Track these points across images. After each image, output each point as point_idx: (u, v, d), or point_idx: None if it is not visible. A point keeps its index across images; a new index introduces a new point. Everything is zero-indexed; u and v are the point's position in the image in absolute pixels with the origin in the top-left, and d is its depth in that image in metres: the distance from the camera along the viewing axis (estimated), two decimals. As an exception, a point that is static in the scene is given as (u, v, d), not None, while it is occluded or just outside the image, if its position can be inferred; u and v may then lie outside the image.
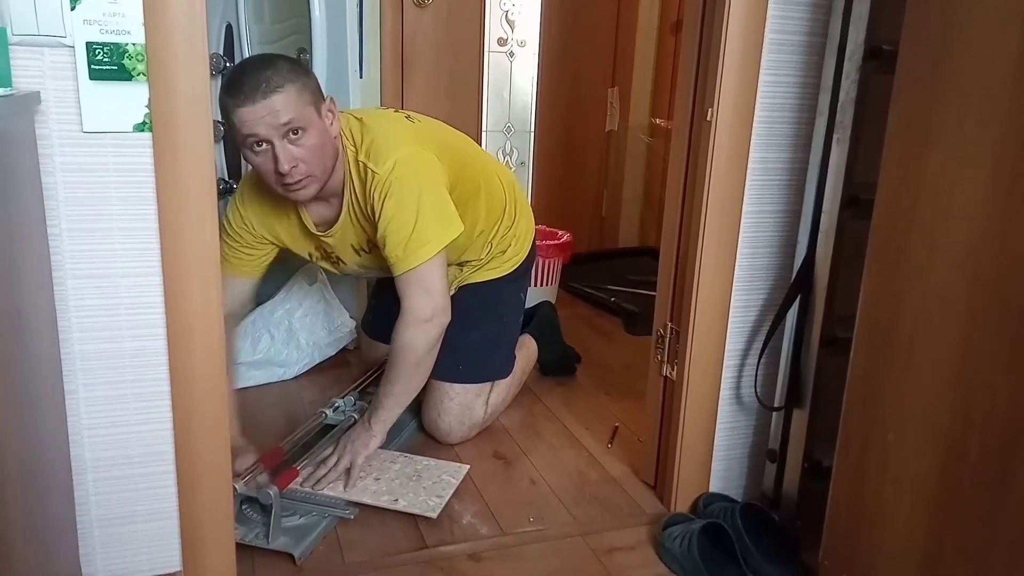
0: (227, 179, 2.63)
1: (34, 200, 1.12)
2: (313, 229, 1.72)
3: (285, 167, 1.49)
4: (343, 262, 1.81)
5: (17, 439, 1.02)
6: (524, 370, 2.13)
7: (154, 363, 1.26)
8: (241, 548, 1.43)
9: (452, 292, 1.89)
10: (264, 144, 1.49)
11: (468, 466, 1.81)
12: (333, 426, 1.81)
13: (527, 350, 2.18)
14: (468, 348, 1.90)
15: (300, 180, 1.53)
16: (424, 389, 1.80)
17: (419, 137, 1.69)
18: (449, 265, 1.82)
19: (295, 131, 1.48)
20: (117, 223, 1.19)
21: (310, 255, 1.83)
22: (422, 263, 1.59)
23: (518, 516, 1.66)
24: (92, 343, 1.22)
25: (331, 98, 1.58)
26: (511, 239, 1.98)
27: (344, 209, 1.67)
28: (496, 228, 1.93)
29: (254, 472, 1.56)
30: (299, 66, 1.53)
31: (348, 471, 1.67)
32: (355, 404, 1.87)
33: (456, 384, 1.91)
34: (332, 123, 1.57)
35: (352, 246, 1.75)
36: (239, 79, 1.46)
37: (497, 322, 1.97)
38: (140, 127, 1.16)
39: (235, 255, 1.73)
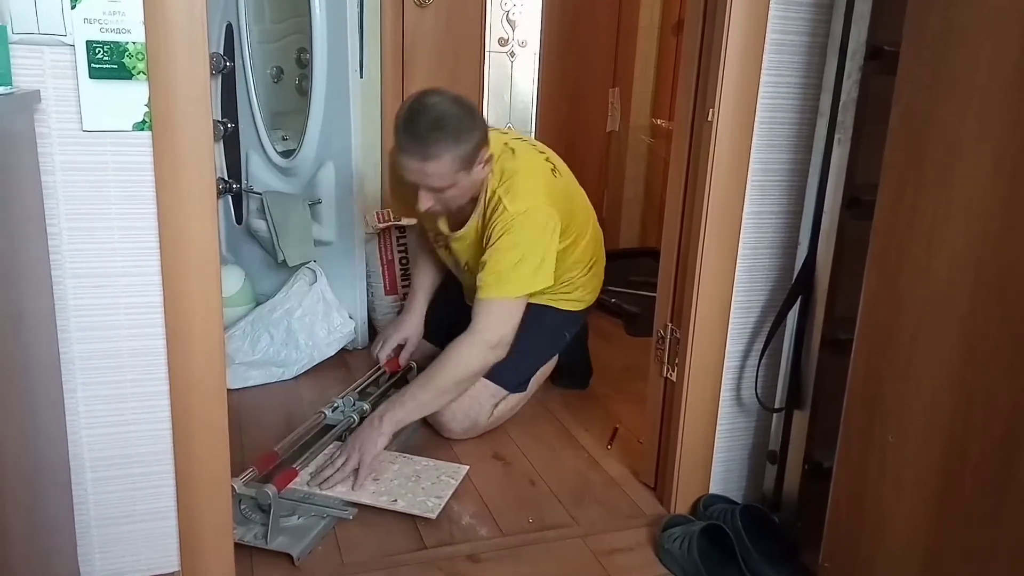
0: (227, 179, 2.63)
1: (34, 199, 1.11)
2: (443, 228, 1.95)
3: (421, 208, 1.75)
4: (456, 256, 2.00)
5: (16, 438, 1.01)
6: (538, 381, 2.11)
7: (153, 362, 1.25)
8: (239, 548, 1.43)
9: None
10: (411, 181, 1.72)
11: (467, 467, 1.81)
12: (332, 426, 1.81)
13: (545, 367, 2.16)
14: None
15: (428, 209, 1.76)
16: None
17: (552, 192, 1.86)
18: None
19: (440, 189, 1.70)
20: (116, 222, 1.19)
21: (436, 236, 2.03)
22: (506, 298, 1.76)
23: (517, 517, 1.66)
24: (91, 342, 1.22)
25: (487, 149, 1.74)
26: (582, 287, 2.07)
27: (471, 223, 1.87)
28: (573, 278, 2.04)
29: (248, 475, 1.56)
30: (469, 124, 1.69)
31: (356, 471, 1.67)
32: (354, 404, 1.86)
33: None
34: (483, 170, 1.76)
35: (468, 248, 1.92)
36: (413, 126, 1.65)
37: (533, 340, 1.96)
38: (140, 126, 1.16)
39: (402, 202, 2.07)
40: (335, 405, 1.86)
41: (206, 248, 1.22)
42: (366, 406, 1.85)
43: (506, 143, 1.85)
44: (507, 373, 1.93)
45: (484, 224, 1.82)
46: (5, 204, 0.99)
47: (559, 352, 2.12)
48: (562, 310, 2.05)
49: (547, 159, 1.94)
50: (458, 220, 1.89)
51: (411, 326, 2.13)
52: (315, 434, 1.79)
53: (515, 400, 2.01)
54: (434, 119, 1.65)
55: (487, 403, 1.93)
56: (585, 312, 2.14)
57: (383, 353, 2.09)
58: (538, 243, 1.78)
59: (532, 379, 2.05)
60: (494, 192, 1.79)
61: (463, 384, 1.80)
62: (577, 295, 2.07)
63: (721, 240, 1.52)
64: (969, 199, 0.99)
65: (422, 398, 1.76)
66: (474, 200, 1.83)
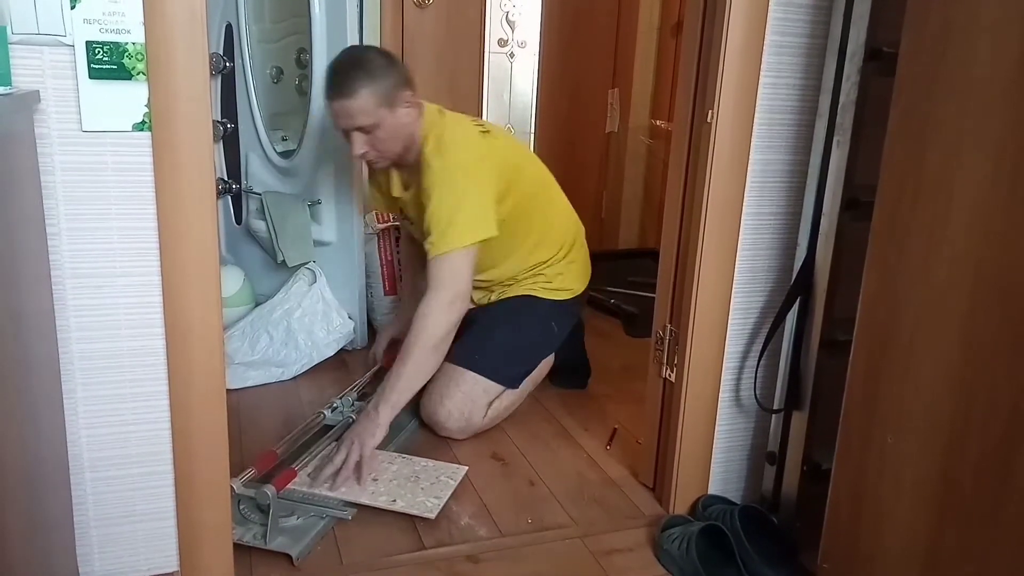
0: (226, 179, 2.63)
1: (33, 199, 1.11)
2: (395, 191, 2.02)
3: (355, 152, 1.85)
4: (411, 221, 2.06)
5: (15, 438, 1.02)
6: (534, 380, 2.12)
7: (152, 363, 1.25)
8: (239, 548, 1.43)
9: (492, 300, 2.10)
10: (344, 131, 1.84)
11: (466, 467, 1.81)
12: (331, 427, 1.81)
13: (541, 366, 2.17)
14: (489, 343, 1.98)
15: (370, 160, 1.89)
16: (433, 375, 1.84)
17: (480, 146, 1.90)
18: (493, 270, 2.04)
19: (365, 128, 1.79)
20: (116, 223, 1.19)
21: (399, 211, 2.15)
22: (452, 250, 1.77)
23: (516, 517, 1.66)
24: (90, 342, 1.22)
25: (411, 92, 1.83)
26: (561, 274, 2.08)
27: (415, 184, 1.92)
28: (545, 263, 2.07)
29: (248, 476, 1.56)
30: (384, 63, 1.81)
31: (358, 465, 1.68)
32: (353, 405, 1.86)
33: (468, 371, 1.92)
34: (409, 113, 1.83)
35: (416, 208, 1.96)
36: (333, 71, 1.80)
37: (524, 331, 2.01)
38: (139, 126, 1.16)
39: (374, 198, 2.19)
40: (334, 406, 1.86)
41: (206, 248, 1.22)
42: (366, 407, 1.85)
43: (435, 110, 1.92)
44: (497, 367, 1.94)
45: (420, 171, 1.87)
46: (4, 205, 0.99)
47: (553, 347, 2.12)
48: (545, 299, 2.05)
49: (480, 124, 1.98)
50: (406, 182, 1.98)
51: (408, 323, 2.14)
52: (314, 434, 1.79)
53: (509, 399, 2.01)
54: (352, 62, 1.81)
55: (481, 400, 1.93)
56: (574, 304, 2.13)
57: (379, 348, 2.10)
58: (468, 191, 1.82)
59: (527, 377, 2.05)
60: (425, 147, 1.85)
61: (440, 347, 1.80)
62: (558, 283, 2.07)
63: (720, 241, 1.52)
64: (969, 199, 0.99)
65: (406, 373, 1.75)
66: (415, 156, 1.89)
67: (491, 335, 2.00)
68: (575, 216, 2.19)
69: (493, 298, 2.11)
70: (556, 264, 2.06)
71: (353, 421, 1.82)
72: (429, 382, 1.87)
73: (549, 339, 2.10)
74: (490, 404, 1.95)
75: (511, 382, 2.00)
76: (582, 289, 2.15)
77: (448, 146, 1.83)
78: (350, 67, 1.79)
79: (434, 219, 1.79)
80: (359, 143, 1.82)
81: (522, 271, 2.04)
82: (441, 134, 1.85)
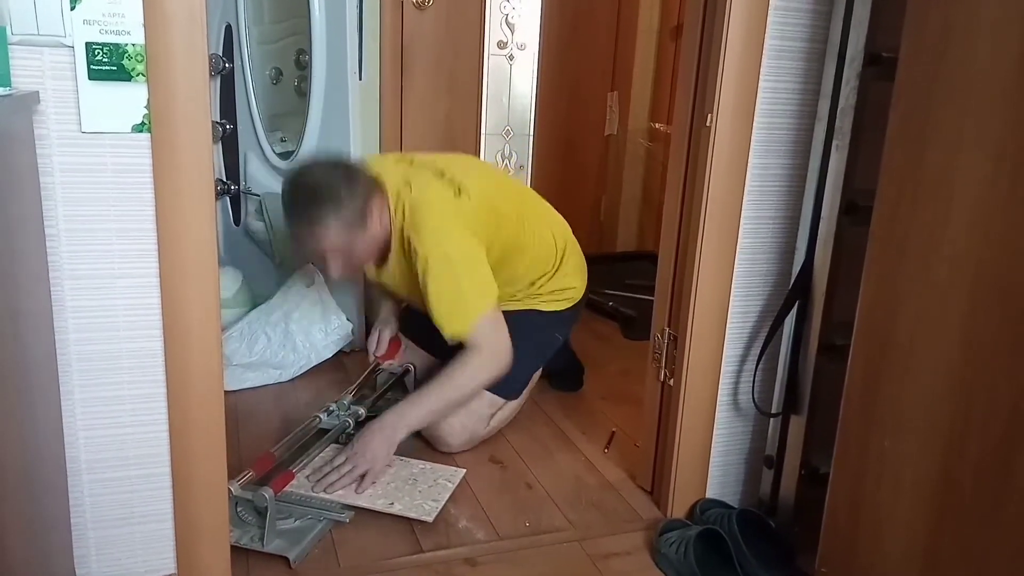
0: (225, 180, 2.63)
1: (32, 200, 1.11)
2: (368, 273, 1.94)
3: (334, 275, 1.78)
4: (390, 289, 2.00)
5: (12, 440, 1.01)
6: (532, 383, 2.11)
7: (150, 365, 1.25)
8: (236, 551, 1.43)
9: None
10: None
11: (464, 470, 1.81)
12: (327, 430, 1.81)
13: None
14: None
15: (347, 278, 1.86)
16: None
17: (459, 215, 1.78)
18: None
19: (333, 255, 1.72)
20: (115, 224, 1.18)
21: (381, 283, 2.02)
22: (471, 326, 1.74)
23: (514, 521, 1.66)
24: (88, 344, 1.22)
25: (380, 196, 1.74)
26: (557, 287, 2.04)
27: (392, 260, 1.84)
28: (541, 278, 2.02)
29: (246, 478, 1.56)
30: (348, 186, 1.68)
31: (363, 477, 1.68)
32: (349, 408, 1.86)
33: None
34: (381, 219, 1.75)
35: (398, 281, 1.89)
36: (294, 204, 1.70)
37: (528, 344, 1.95)
38: (139, 128, 1.16)
39: None
40: (330, 409, 1.86)
41: (204, 250, 1.22)
42: (361, 410, 1.85)
43: (405, 178, 1.80)
44: (502, 382, 1.92)
45: (406, 258, 1.79)
46: (3, 205, 0.99)
47: (554, 353, 2.11)
48: (545, 311, 2.04)
49: (449, 181, 1.81)
50: (379, 258, 1.88)
51: (394, 313, 2.17)
52: (312, 437, 1.79)
53: (511, 407, 2.00)
54: (311, 192, 1.68)
55: (484, 414, 1.92)
56: (574, 312, 2.11)
57: (380, 348, 2.10)
58: (460, 272, 1.75)
59: (527, 384, 2.04)
60: (402, 233, 1.76)
61: (472, 396, 1.83)
62: (555, 296, 2.05)
63: (719, 244, 1.52)
64: (968, 200, 0.99)
65: (433, 408, 1.77)
66: (387, 250, 1.82)
67: None
68: (559, 220, 2.13)
69: None
70: (552, 278, 2.03)
71: (349, 425, 1.82)
72: None
73: (552, 347, 2.09)
74: (492, 416, 1.95)
75: (514, 394, 2.00)
76: (582, 286, 2.12)
77: (426, 227, 1.73)
78: (313, 197, 1.67)
79: (439, 307, 1.73)
80: (334, 267, 1.75)
81: (520, 291, 2.01)
82: (414, 215, 1.74)
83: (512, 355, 1.80)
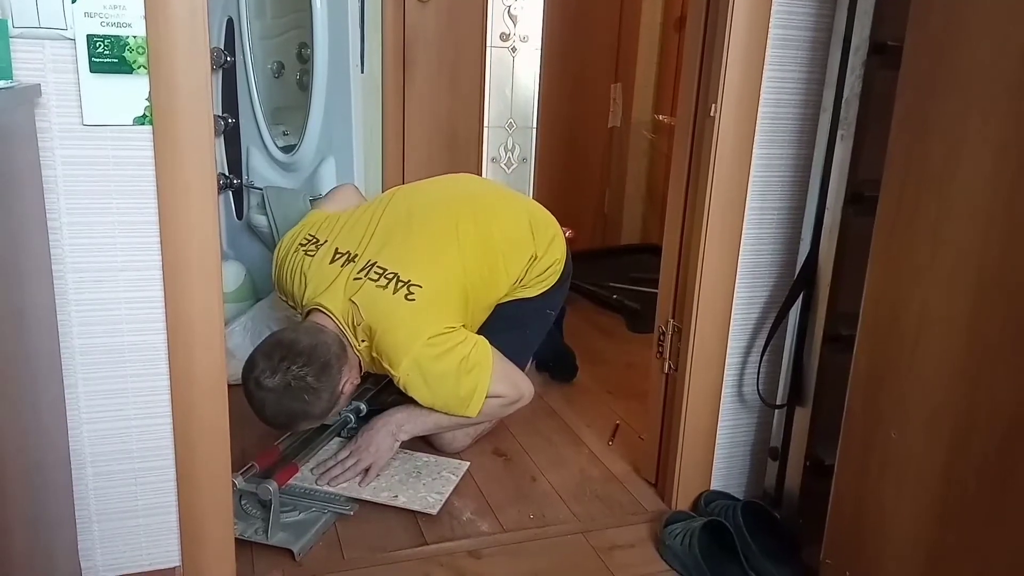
0: (227, 174, 2.63)
1: (34, 193, 1.11)
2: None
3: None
4: None
5: (16, 433, 1.01)
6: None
7: (154, 358, 1.25)
8: (240, 543, 1.43)
9: None
10: None
11: (468, 463, 1.81)
12: (328, 424, 1.81)
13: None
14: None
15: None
16: None
17: (419, 317, 1.65)
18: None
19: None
20: (117, 217, 1.18)
21: None
22: (479, 403, 1.68)
23: (518, 513, 1.66)
24: (92, 337, 1.22)
25: (344, 358, 1.62)
26: (539, 271, 1.94)
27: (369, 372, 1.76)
28: (524, 271, 1.90)
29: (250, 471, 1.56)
30: (318, 369, 1.55)
31: (366, 471, 1.68)
32: (350, 403, 1.85)
33: None
34: (351, 377, 1.66)
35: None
36: (267, 418, 1.56)
37: (520, 335, 1.94)
38: (140, 120, 1.15)
39: None
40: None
41: (207, 243, 1.22)
42: (362, 405, 1.85)
43: (350, 296, 1.66)
44: None
45: (382, 368, 1.68)
46: (5, 199, 0.98)
47: (549, 328, 2.07)
48: (531, 297, 1.95)
49: (396, 286, 1.65)
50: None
51: None
52: (315, 430, 1.79)
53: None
54: (284, 393, 1.53)
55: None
56: (561, 283, 2.00)
57: None
58: (446, 375, 1.65)
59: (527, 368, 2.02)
60: (371, 355, 1.67)
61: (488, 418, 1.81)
62: (540, 279, 1.94)
63: (723, 236, 1.51)
64: (973, 194, 0.98)
65: (444, 424, 1.75)
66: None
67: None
68: (518, 205, 2.01)
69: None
70: (531, 267, 1.92)
71: (350, 420, 1.82)
72: None
73: (546, 327, 2.05)
74: None
75: None
76: (563, 254, 2.00)
77: (391, 348, 1.62)
78: (285, 402, 1.53)
79: (443, 405, 1.68)
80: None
81: (504, 295, 1.94)
82: (374, 340, 1.63)
83: (530, 384, 1.80)
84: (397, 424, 1.72)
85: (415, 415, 1.73)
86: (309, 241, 1.81)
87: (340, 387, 1.61)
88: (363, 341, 1.66)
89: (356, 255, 1.73)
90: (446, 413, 1.70)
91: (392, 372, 1.64)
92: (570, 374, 2.34)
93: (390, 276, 1.67)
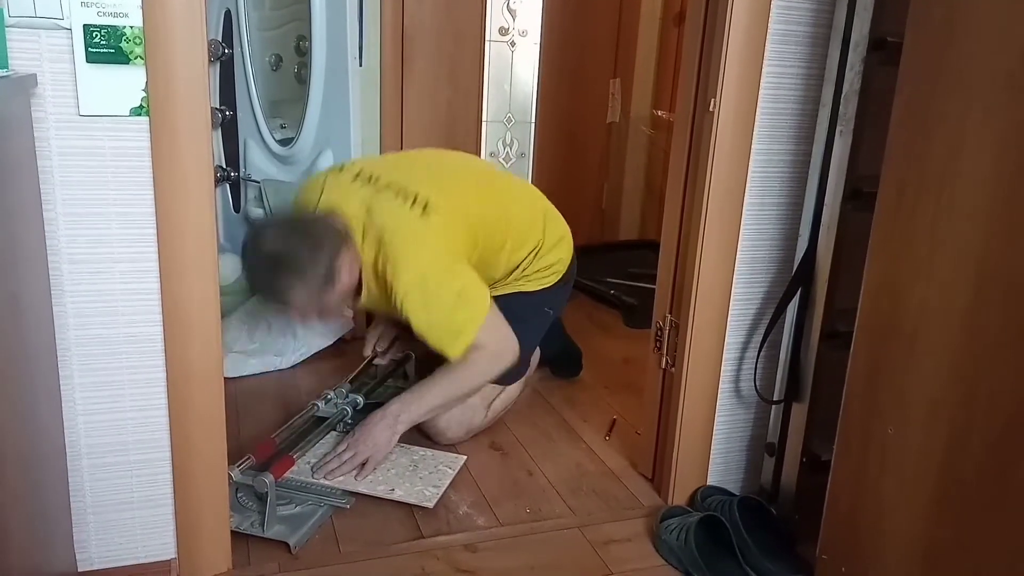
0: (225, 167, 2.62)
1: (30, 184, 1.11)
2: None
3: (303, 323, 1.87)
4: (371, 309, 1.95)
5: (12, 425, 1.01)
6: (527, 377, 2.11)
7: (150, 350, 1.25)
8: (236, 536, 1.43)
9: None
10: None
11: (465, 457, 1.81)
12: (325, 418, 1.80)
13: (533, 356, 2.15)
14: None
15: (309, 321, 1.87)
16: None
17: (430, 235, 1.69)
18: None
19: (302, 313, 1.70)
20: (113, 208, 1.18)
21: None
22: (468, 344, 1.68)
23: (515, 507, 1.66)
24: (88, 328, 1.22)
25: (349, 246, 1.65)
26: (542, 266, 1.98)
27: (366, 290, 1.75)
28: (524, 260, 1.95)
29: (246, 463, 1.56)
30: (310, 249, 1.58)
31: (363, 465, 1.68)
32: (347, 396, 1.85)
33: None
34: (351, 269, 1.66)
35: (377, 303, 1.79)
36: (256, 276, 1.66)
37: (518, 327, 1.90)
38: (137, 111, 1.15)
39: None
40: (328, 397, 1.85)
41: (204, 235, 1.22)
42: (359, 399, 1.84)
43: (367, 205, 1.69)
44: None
45: (380, 288, 1.70)
46: (1, 189, 0.98)
47: (547, 328, 2.07)
48: (533, 291, 1.98)
49: (414, 199, 1.70)
50: (354, 294, 1.80)
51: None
52: (311, 424, 1.79)
53: (508, 393, 1.99)
54: (273, 264, 1.58)
55: (480, 405, 1.90)
56: (563, 284, 2.04)
57: (380, 343, 2.09)
58: (444, 296, 1.67)
59: (526, 367, 2.03)
60: (375, 269, 1.68)
61: (479, 390, 1.82)
62: (541, 274, 1.98)
63: (721, 231, 1.51)
64: (972, 191, 0.98)
65: (438, 402, 1.76)
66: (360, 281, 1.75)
67: None
68: (535, 195, 2.06)
69: None
70: (535, 259, 1.96)
71: (347, 413, 1.81)
72: None
73: (545, 325, 2.06)
74: (489, 406, 1.94)
75: (509, 380, 1.97)
76: (568, 255, 2.04)
77: (398, 257, 1.63)
78: (275, 271, 1.58)
79: (432, 335, 1.67)
80: (304, 320, 1.74)
81: (504, 275, 1.96)
82: (384, 247, 1.64)
83: (518, 345, 1.78)
84: (394, 416, 1.72)
85: (409, 401, 1.73)
86: (333, 169, 1.88)
87: (337, 262, 1.61)
88: (370, 248, 1.67)
89: (378, 177, 1.77)
90: (433, 347, 1.69)
91: (393, 285, 1.63)
92: (575, 371, 2.34)
93: (410, 194, 1.70)
